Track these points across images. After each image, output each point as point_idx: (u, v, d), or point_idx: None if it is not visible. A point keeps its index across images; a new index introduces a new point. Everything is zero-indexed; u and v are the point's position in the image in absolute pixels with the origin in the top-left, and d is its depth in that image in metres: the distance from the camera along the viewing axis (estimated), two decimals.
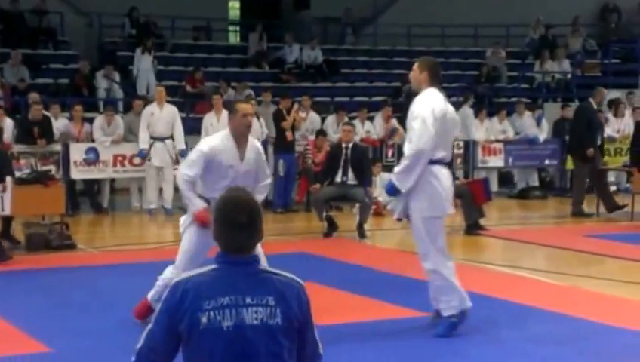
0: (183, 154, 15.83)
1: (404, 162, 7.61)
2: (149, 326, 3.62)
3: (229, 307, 3.52)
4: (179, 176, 7.68)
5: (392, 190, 7.79)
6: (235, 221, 3.59)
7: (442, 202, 7.73)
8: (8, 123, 15.27)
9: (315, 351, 3.78)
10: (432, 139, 7.50)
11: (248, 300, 3.55)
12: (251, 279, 3.61)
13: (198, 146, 7.69)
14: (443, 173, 7.74)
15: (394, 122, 16.83)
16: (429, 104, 7.60)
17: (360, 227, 13.34)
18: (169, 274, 7.63)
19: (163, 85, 17.06)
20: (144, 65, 20.30)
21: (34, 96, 16.32)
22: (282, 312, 3.57)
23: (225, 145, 7.44)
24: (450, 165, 8.10)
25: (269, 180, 7.98)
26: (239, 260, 3.63)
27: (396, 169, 7.85)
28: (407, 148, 7.65)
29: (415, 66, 7.87)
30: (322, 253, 12.00)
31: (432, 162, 7.63)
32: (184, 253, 7.63)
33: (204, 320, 3.51)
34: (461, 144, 18.35)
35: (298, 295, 3.65)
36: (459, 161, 18.24)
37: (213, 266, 3.64)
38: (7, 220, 12.31)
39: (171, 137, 15.60)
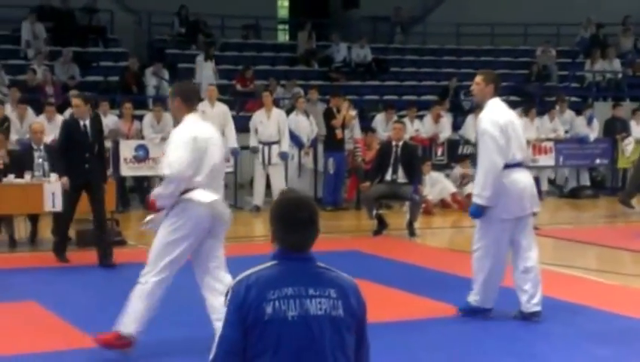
0: (235, 152, 15.88)
1: (483, 178, 7.90)
2: (220, 332, 3.62)
3: (293, 297, 3.56)
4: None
5: (477, 212, 8.07)
6: (297, 219, 3.65)
7: (516, 204, 7.96)
8: (59, 120, 15.36)
9: (368, 353, 3.81)
10: (500, 152, 7.80)
11: (311, 291, 3.59)
12: (311, 272, 3.66)
13: None
14: (519, 176, 7.98)
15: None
16: (493, 117, 7.91)
17: (410, 225, 13.26)
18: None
19: (212, 83, 17.09)
20: (206, 72, 20.14)
21: (73, 92, 16.36)
22: (343, 305, 3.61)
23: None
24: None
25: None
26: (298, 256, 3.67)
27: (475, 190, 8.09)
28: (482, 161, 7.92)
29: (479, 79, 8.15)
30: (372, 250, 11.95)
31: (508, 166, 7.90)
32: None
33: (269, 310, 3.54)
34: None
35: (355, 292, 3.70)
36: None
37: (273, 262, 3.67)
38: (58, 216, 12.36)
39: (223, 134, 15.61)
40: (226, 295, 3.65)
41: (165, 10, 22.35)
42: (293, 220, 3.65)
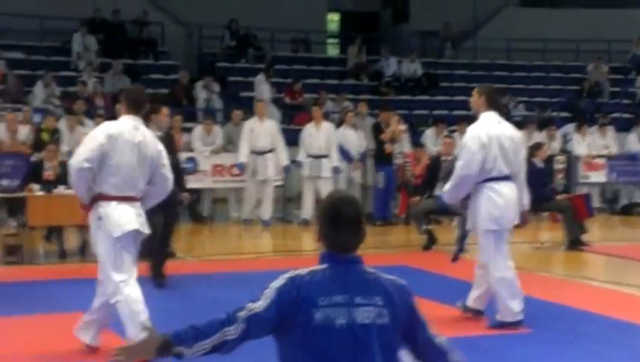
0: (286, 169, 15.85)
1: (453, 181, 8.31)
2: (257, 309, 3.60)
3: (342, 305, 3.57)
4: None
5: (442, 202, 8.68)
6: (342, 216, 3.65)
7: (501, 217, 8.20)
8: None
9: (441, 355, 3.83)
10: (478, 164, 8.07)
11: (359, 299, 3.60)
12: (360, 278, 3.66)
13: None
14: (504, 190, 8.23)
15: None
16: (477, 132, 8.19)
17: (460, 240, 13.09)
18: None
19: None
20: (265, 93, 20.15)
21: (118, 107, 16.42)
22: (389, 312, 3.62)
23: None
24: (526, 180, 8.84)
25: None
26: (347, 259, 3.68)
27: (446, 186, 8.56)
28: (457, 169, 8.28)
29: (474, 92, 8.53)
30: (421, 266, 11.84)
31: (492, 179, 8.19)
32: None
33: (317, 316, 3.55)
34: (562, 159, 17.98)
35: (402, 294, 3.71)
36: (560, 176, 17.88)
37: (324, 266, 3.68)
38: None
39: (271, 151, 15.61)
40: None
41: (216, 23, 22.44)
42: (339, 218, 3.65)
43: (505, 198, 8.21)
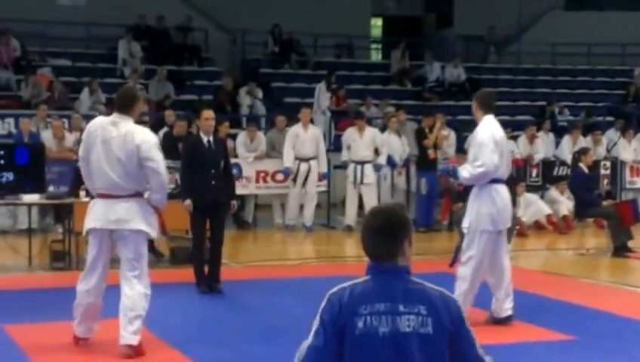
0: (325, 176, 15.87)
1: (474, 174, 8.33)
2: (308, 343, 3.64)
3: (384, 314, 3.59)
4: None
5: (455, 174, 8.85)
6: (373, 227, 3.71)
7: (499, 218, 8.42)
8: None
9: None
10: (497, 162, 8.26)
11: (401, 308, 3.60)
12: (404, 287, 3.66)
13: None
14: (503, 192, 8.48)
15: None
16: (491, 131, 8.40)
17: None
18: None
19: (305, 103, 17.11)
20: (324, 101, 20.12)
21: (169, 113, 16.57)
22: (433, 322, 3.62)
23: None
24: (510, 181, 9.08)
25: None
26: (390, 269, 3.68)
27: (464, 173, 8.51)
28: (474, 167, 8.34)
29: (474, 98, 8.94)
30: None
31: (496, 180, 8.40)
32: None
33: (360, 324, 3.57)
34: (608, 164, 17.83)
35: (448, 306, 3.68)
36: (605, 181, 17.73)
37: (367, 277, 3.71)
38: None
39: (315, 157, 15.64)
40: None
41: (259, 28, 22.51)
42: (370, 229, 3.71)
43: (504, 200, 8.46)
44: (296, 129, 15.75)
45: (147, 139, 7.35)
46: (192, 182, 10.04)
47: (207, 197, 9.96)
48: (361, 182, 15.77)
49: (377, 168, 15.91)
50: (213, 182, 10.00)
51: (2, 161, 11.65)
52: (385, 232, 3.68)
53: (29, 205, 12.37)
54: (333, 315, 3.61)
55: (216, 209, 10.12)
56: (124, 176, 7.23)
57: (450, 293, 3.74)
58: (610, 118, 21.88)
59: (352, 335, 3.56)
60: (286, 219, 15.99)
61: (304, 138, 15.62)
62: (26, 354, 7.50)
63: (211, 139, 10.17)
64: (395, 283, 3.65)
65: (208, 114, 10.16)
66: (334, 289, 3.68)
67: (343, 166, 16.07)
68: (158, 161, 7.32)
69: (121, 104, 7.45)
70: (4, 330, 8.33)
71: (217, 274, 10.27)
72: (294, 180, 15.66)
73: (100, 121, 7.46)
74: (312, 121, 16.70)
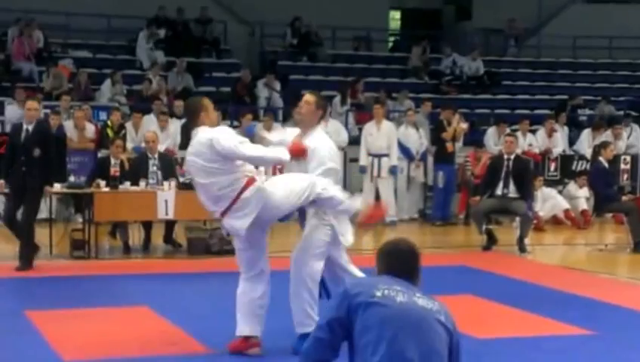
0: (393, 171, 15.84)
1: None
2: (323, 313, 3.95)
3: (401, 291, 3.83)
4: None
5: None
6: (398, 250, 4.03)
7: None
8: (173, 129, 15.64)
9: None
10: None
11: (418, 294, 3.89)
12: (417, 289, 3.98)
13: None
14: None
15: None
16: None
17: (520, 241, 13.03)
18: None
19: (325, 94, 16.99)
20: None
21: (178, 104, 16.64)
22: (444, 316, 3.89)
23: None
24: None
25: None
26: (403, 277, 3.97)
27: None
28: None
29: None
30: (481, 266, 11.79)
31: None
32: None
33: (378, 294, 3.79)
34: (628, 159, 17.78)
35: (449, 315, 3.96)
36: (625, 176, 17.67)
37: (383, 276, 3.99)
38: (171, 224, 12.59)
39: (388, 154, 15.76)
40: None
41: (278, 21, 22.53)
42: (394, 252, 4.03)
43: None
44: (369, 128, 15.85)
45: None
46: (9, 165, 10.91)
47: (17, 181, 10.79)
48: (378, 176, 15.79)
49: (393, 171, 15.90)
50: (23, 168, 10.71)
51: None
52: (412, 256, 4.02)
53: (50, 194, 12.47)
54: (351, 291, 3.84)
55: (26, 193, 10.79)
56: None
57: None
58: (631, 112, 21.72)
59: (370, 301, 3.76)
60: None
61: (377, 136, 15.69)
62: (47, 340, 7.57)
63: (31, 127, 10.82)
64: (410, 284, 3.94)
65: (31, 105, 11.03)
66: (352, 279, 3.92)
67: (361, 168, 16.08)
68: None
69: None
70: (26, 316, 8.41)
71: (23, 253, 10.81)
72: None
73: None
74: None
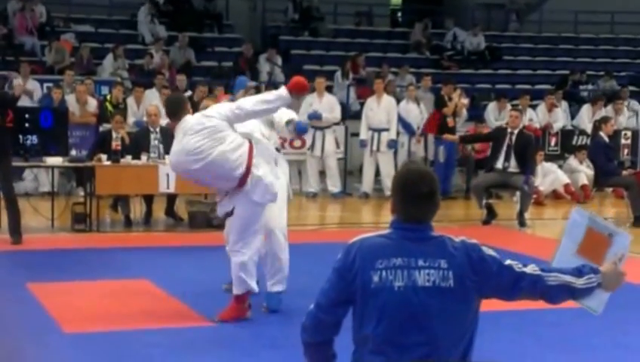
0: (391, 145, 15.87)
1: None
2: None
3: (400, 268, 3.59)
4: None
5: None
6: (417, 192, 3.68)
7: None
8: None
9: (533, 284, 3.88)
10: None
11: (420, 262, 3.61)
12: (424, 243, 3.67)
13: None
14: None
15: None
16: None
17: (520, 215, 13.09)
18: None
19: (324, 71, 17.06)
20: (341, 93, 19.98)
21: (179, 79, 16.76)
22: (455, 275, 3.61)
23: None
24: None
25: None
26: (414, 227, 3.69)
27: None
28: None
29: None
30: (481, 240, 11.51)
31: None
32: None
33: (375, 278, 3.58)
34: (629, 134, 17.80)
35: (468, 254, 3.67)
36: (626, 151, 17.70)
37: (388, 231, 3.71)
38: (172, 198, 12.64)
39: (328, 127, 15.70)
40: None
41: None
42: (414, 193, 3.68)
43: None
44: (311, 98, 15.71)
45: None
46: None
47: None
48: (378, 150, 15.82)
49: (391, 145, 15.91)
50: None
51: (27, 125, 11.81)
52: (430, 197, 3.70)
53: (52, 168, 12.52)
54: (344, 266, 3.66)
55: None
56: None
57: (471, 239, 3.76)
58: (632, 88, 21.73)
59: (368, 289, 3.58)
60: (307, 187, 16.04)
61: (318, 107, 15.59)
62: (48, 312, 7.64)
63: None
64: (416, 237, 3.66)
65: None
66: (354, 239, 3.71)
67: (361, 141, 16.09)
68: None
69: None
70: (28, 288, 8.48)
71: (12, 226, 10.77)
72: (311, 149, 15.72)
73: None
74: (330, 90, 16.73)
